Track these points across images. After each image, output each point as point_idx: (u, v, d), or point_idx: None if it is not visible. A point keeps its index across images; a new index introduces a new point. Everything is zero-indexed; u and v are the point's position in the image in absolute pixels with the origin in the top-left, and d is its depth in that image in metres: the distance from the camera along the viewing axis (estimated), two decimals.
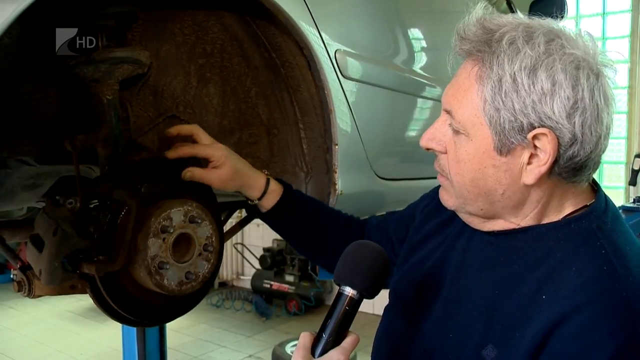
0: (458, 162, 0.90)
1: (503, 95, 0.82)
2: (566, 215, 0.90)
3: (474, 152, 0.87)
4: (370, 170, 1.59)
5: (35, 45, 1.12)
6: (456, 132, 0.89)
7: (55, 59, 1.14)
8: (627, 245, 0.86)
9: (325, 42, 1.32)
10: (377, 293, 0.93)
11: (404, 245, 1.20)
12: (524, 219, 0.92)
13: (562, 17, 3.12)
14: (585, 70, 0.82)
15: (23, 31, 1.06)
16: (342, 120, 1.39)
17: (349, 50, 1.43)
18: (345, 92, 1.40)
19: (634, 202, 3.22)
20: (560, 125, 0.81)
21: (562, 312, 0.78)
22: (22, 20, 0.84)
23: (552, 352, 0.78)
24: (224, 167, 1.20)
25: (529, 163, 0.85)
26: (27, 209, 1.88)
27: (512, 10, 3.15)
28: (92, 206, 1.14)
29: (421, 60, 1.86)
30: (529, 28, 0.84)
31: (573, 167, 0.85)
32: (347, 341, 0.89)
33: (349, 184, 1.45)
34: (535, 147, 0.84)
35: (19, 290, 1.18)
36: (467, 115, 0.87)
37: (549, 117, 0.81)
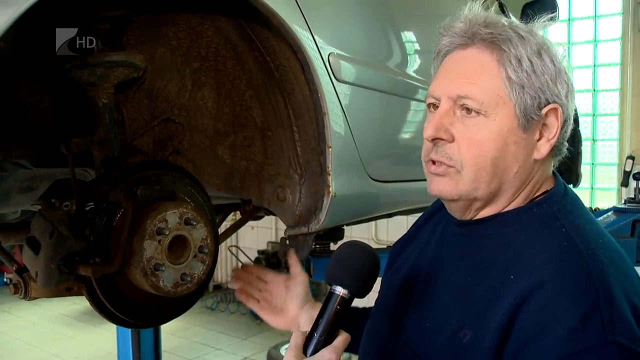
0: (479, 144, 0.92)
1: (524, 75, 0.90)
2: (530, 200, 0.96)
3: (498, 130, 0.91)
4: (364, 173, 1.60)
5: (31, 49, 1.13)
6: (470, 114, 0.92)
7: (50, 62, 1.15)
8: (587, 225, 0.92)
9: (318, 45, 1.33)
10: (367, 292, 0.94)
11: (390, 253, 1.25)
12: (512, 203, 0.97)
13: (554, 19, 3.14)
14: (565, 58, 0.94)
15: (19, 35, 1.06)
16: (335, 122, 1.40)
17: (343, 53, 1.44)
18: (339, 95, 1.41)
19: (625, 203, 3.23)
20: (563, 103, 0.92)
21: (528, 288, 0.83)
22: (18, 24, 0.84)
23: (522, 325, 0.82)
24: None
25: (538, 140, 0.93)
26: (20, 212, 1.89)
27: (504, 13, 3.17)
28: (87, 209, 1.14)
29: (414, 63, 1.87)
30: (515, 23, 0.95)
31: (562, 142, 0.96)
32: (339, 340, 0.90)
33: (342, 186, 1.46)
34: (543, 124, 0.92)
35: (15, 293, 1.19)
36: (490, 95, 0.91)
37: (557, 95, 0.91)
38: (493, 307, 0.86)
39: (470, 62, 0.94)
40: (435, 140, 0.95)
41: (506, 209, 0.97)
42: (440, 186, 0.98)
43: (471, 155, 0.93)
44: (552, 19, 1.01)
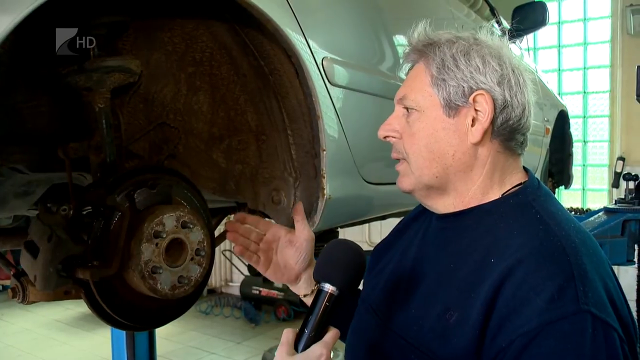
0: (414, 135, 1.05)
1: (446, 69, 1.02)
2: (504, 193, 1.04)
3: (427, 120, 1.04)
4: (358, 175, 1.61)
5: (28, 55, 1.14)
6: (410, 112, 1.06)
7: (47, 68, 1.16)
8: (559, 212, 1.01)
9: (312, 49, 1.35)
10: (355, 289, 0.98)
11: (370, 259, 1.29)
12: (472, 188, 1.04)
13: (544, 23, 3.18)
14: (505, 58, 1.03)
15: (16, 41, 1.07)
16: (329, 126, 1.41)
17: (336, 57, 1.45)
18: (333, 98, 1.43)
19: (615, 203, 3.27)
20: (493, 89, 1.01)
21: (509, 267, 0.90)
22: (16, 30, 0.85)
23: (504, 301, 0.88)
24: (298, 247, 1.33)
25: (472, 125, 1.02)
26: (13, 218, 1.89)
27: (495, 17, 3.20)
28: (85, 213, 1.15)
29: None
30: (460, 35, 1.07)
31: (509, 129, 1.03)
32: (329, 336, 0.94)
33: (337, 189, 1.47)
34: (476, 111, 1.01)
35: (13, 297, 1.19)
36: (420, 92, 1.05)
37: (483, 82, 1.01)
38: (477, 289, 0.92)
39: (411, 71, 1.10)
40: (386, 138, 1.11)
41: (471, 202, 1.05)
42: (400, 181, 1.11)
43: (409, 145, 1.06)
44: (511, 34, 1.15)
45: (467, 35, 1.06)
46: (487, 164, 1.04)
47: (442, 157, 1.03)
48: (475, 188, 1.04)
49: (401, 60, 1.15)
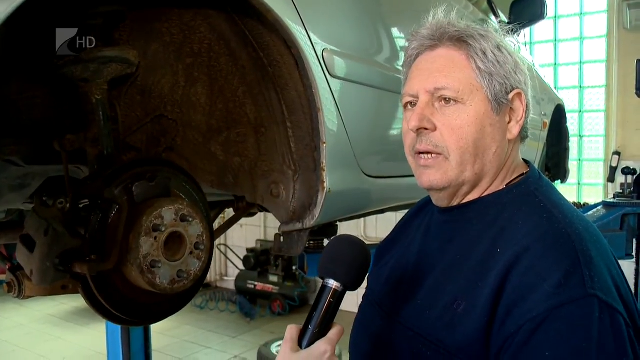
0: (459, 129, 1.01)
1: (491, 64, 1.01)
2: (508, 183, 1.05)
3: (475, 114, 1.01)
4: (358, 168, 1.60)
5: (22, 45, 1.11)
6: (450, 104, 1.01)
7: (43, 59, 1.14)
8: (561, 200, 1.03)
9: (312, 41, 1.33)
10: (359, 285, 0.97)
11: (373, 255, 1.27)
12: (494, 183, 1.05)
13: (542, 17, 3.17)
14: (524, 58, 1.06)
15: (10, 32, 1.05)
16: (329, 118, 1.40)
17: (336, 49, 1.44)
18: (333, 90, 1.41)
19: (614, 197, 3.26)
20: (524, 89, 1.04)
21: (515, 254, 0.91)
22: (9, 21, 0.83)
23: (512, 288, 0.89)
24: None
25: (508, 122, 1.04)
26: (7, 212, 1.87)
27: (493, 10, 3.19)
28: (82, 206, 1.13)
29: None
30: (478, 26, 1.05)
31: (525, 126, 1.07)
32: (333, 332, 0.93)
33: (337, 182, 1.46)
34: (511, 108, 1.04)
35: (9, 291, 1.17)
36: (464, 84, 1.01)
37: (519, 82, 1.03)
38: (484, 278, 0.93)
39: (442, 59, 1.03)
40: (419, 130, 1.03)
41: (487, 193, 1.05)
42: (430, 177, 1.04)
43: (455, 140, 1.01)
44: (511, 31, 1.14)
45: (480, 27, 1.05)
46: (509, 159, 1.06)
47: (486, 154, 1.02)
48: (495, 182, 1.05)
49: (414, 45, 1.08)
